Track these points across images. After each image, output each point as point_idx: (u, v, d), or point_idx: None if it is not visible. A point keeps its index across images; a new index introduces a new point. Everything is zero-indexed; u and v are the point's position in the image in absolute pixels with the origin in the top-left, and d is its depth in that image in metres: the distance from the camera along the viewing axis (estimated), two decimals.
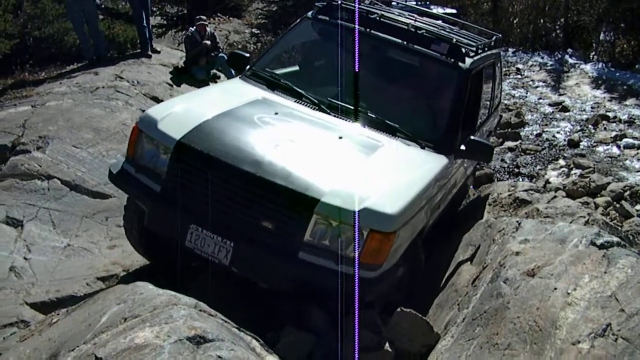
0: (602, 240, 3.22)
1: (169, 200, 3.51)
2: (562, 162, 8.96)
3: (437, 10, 10.85)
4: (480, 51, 4.98)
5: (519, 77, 14.11)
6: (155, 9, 15.44)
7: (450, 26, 5.76)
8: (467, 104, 4.62)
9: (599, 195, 7.50)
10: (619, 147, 9.58)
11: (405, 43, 4.63)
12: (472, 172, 6.17)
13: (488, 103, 5.90)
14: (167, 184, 3.53)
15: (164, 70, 9.32)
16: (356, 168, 3.63)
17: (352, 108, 4.23)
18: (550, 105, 11.97)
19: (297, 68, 5.19)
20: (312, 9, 5.06)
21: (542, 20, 17.07)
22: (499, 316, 2.91)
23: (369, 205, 3.22)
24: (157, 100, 7.44)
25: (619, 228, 5.83)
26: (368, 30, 4.67)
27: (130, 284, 2.84)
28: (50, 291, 4.20)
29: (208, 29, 9.56)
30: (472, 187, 6.97)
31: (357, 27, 4.60)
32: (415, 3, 10.81)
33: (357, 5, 4.78)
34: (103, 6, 12.02)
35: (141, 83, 8.26)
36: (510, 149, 9.51)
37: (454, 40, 4.72)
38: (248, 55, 4.85)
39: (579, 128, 10.56)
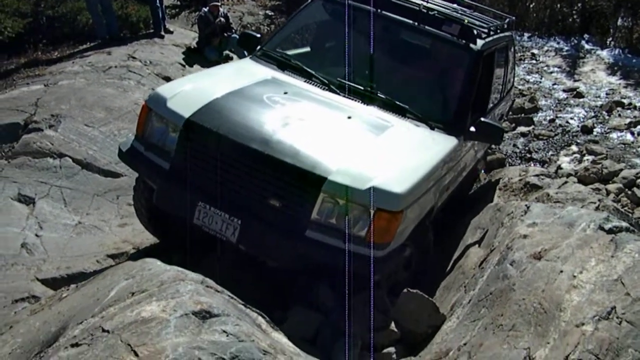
0: (611, 225, 3.20)
1: (177, 177, 3.53)
2: (574, 148, 8.88)
3: None
4: (492, 33, 4.94)
5: (534, 62, 13.90)
6: None
7: (464, 8, 5.70)
8: (477, 85, 4.59)
9: (610, 182, 7.43)
10: (632, 133, 9.47)
11: (416, 23, 4.59)
12: (482, 155, 6.13)
13: (500, 86, 5.85)
14: (175, 161, 3.55)
15: (176, 50, 9.32)
16: (364, 147, 3.63)
17: (362, 88, 4.22)
18: (564, 90, 11.81)
19: (308, 49, 5.18)
20: None
21: (558, 5, 16.78)
22: (504, 297, 2.91)
23: (376, 184, 3.22)
24: (169, 80, 7.43)
25: (630, 214, 5.78)
26: (378, 10, 4.63)
27: (139, 260, 2.86)
28: (60, 267, 4.26)
29: (221, 9, 9.53)
30: (483, 171, 6.93)
31: (369, 7, 4.56)
32: None
33: None
34: None
35: (153, 63, 8.28)
36: (523, 134, 9.40)
37: (465, 21, 4.68)
38: (259, 35, 4.85)
39: (592, 114, 10.43)
